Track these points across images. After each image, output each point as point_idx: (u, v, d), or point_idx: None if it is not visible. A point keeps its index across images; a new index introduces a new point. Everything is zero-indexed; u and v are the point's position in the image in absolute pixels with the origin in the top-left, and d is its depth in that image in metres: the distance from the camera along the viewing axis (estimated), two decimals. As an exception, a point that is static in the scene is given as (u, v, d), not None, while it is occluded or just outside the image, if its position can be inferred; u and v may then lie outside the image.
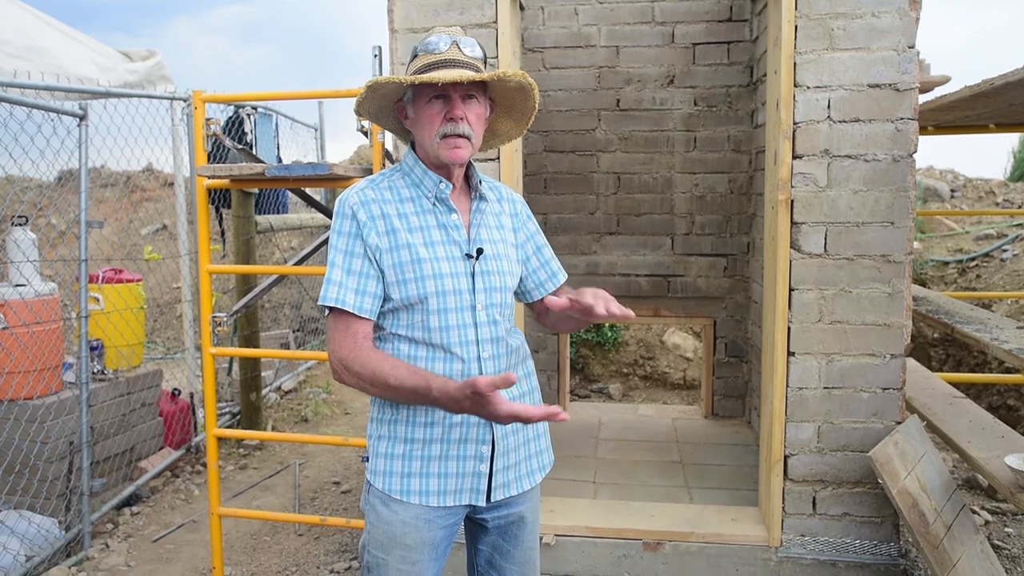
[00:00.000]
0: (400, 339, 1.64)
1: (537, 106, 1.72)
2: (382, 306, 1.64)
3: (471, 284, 1.64)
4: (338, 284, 1.60)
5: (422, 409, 1.63)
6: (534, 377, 1.81)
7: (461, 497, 1.67)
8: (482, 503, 1.69)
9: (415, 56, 1.65)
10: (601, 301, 1.59)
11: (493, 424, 1.64)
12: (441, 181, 1.65)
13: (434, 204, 1.66)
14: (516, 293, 1.86)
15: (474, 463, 1.66)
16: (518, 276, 1.78)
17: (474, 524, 1.80)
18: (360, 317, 1.60)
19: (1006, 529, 3.44)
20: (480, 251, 1.66)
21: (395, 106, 1.71)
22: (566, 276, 1.90)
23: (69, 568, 3.33)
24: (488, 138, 1.83)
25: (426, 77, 1.54)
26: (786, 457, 2.70)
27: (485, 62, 1.67)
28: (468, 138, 1.60)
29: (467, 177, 1.73)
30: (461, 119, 1.59)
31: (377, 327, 1.69)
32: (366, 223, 1.61)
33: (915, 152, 2.57)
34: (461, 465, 1.65)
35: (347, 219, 1.63)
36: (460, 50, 1.61)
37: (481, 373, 1.63)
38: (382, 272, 1.61)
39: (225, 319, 3.05)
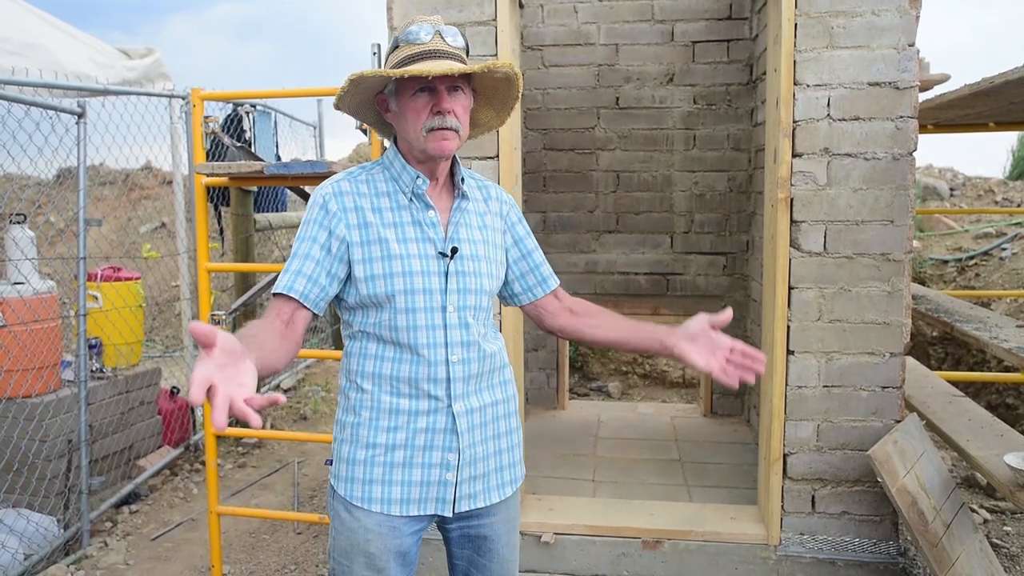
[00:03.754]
0: (368, 336, 1.59)
1: (520, 95, 1.66)
2: (351, 301, 1.59)
3: (443, 284, 1.57)
4: (289, 271, 1.56)
5: (385, 413, 1.58)
6: (511, 386, 1.73)
7: (425, 507, 1.60)
8: (448, 513, 1.62)
9: (396, 47, 1.58)
10: (715, 362, 1.52)
11: (459, 431, 1.59)
12: (418, 176, 1.59)
13: (410, 200, 1.60)
14: (504, 297, 1.81)
15: (439, 471, 1.59)
16: (499, 279, 1.71)
17: (443, 534, 1.73)
18: (296, 301, 1.53)
19: (1005, 527, 3.44)
20: (455, 250, 1.59)
21: (375, 99, 1.63)
22: (558, 282, 1.82)
23: (68, 566, 3.33)
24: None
25: (414, 70, 1.48)
26: (785, 455, 2.70)
27: (468, 51, 1.61)
28: (456, 131, 1.54)
29: (452, 174, 1.67)
30: (449, 112, 1.52)
31: (346, 324, 1.64)
32: (336, 213, 1.56)
33: (915, 150, 2.56)
34: (426, 473, 1.59)
35: (316, 208, 1.58)
36: (444, 40, 1.54)
37: (449, 377, 1.57)
38: (351, 266, 1.56)
39: (224, 317, 3.04)
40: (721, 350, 1.54)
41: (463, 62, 1.55)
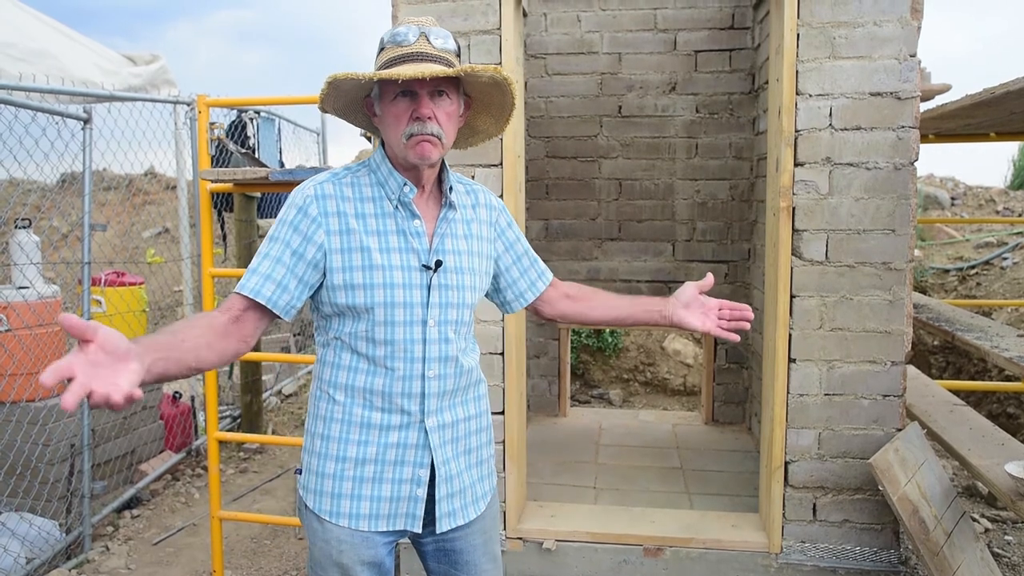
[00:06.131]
0: (343, 346, 1.54)
1: (516, 102, 1.60)
2: (327, 309, 1.54)
3: (425, 297, 1.52)
4: (259, 274, 1.48)
5: (356, 426, 1.54)
6: (485, 400, 1.71)
7: (395, 522, 1.57)
8: (417, 529, 1.58)
9: (382, 48, 1.52)
10: (710, 322, 1.64)
11: (432, 447, 1.56)
12: (405, 184, 1.53)
13: (396, 207, 1.54)
14: (502, 303, 1.79)
15: (410, 487, 1.56)
16: (483, 291, 1.67)
17: (418, 548, 1.70)
18: (250, 300, 1.46)
19: (1006, 537, 3.45)
20: (439, 263, 1.54)
21: (363, 102, 1.58)
22: (552, 274, 1.82)
23: (69, 571, 3.33)
24: (467, 135, 1.71)
25: (387, 73, 1.42)
26: (786, 463, 2.71)
27: (459, 55, 1.55)
28: (438, 137, 1.48)
29: (440, 180, 1.61)
30: (429, 118, 1.46)
31: (321, 329, 1.60)
32: (316, 218, 1.49)
33: (916, 160, 2.58)
34: (396, 489, 1.55)
35: (295, 209, 1.50)
36: (429, 42, 1.47)
37: (423, 392, 1.54)
38: (328, 273, 1.50)
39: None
40: (712, 311, 1.67)
41: (450, 66, 1.48)
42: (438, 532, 1.61)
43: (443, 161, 1.60)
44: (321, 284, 1.53)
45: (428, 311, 1.53)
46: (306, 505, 1.61)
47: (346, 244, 1.50)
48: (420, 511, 1.58)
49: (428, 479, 1.57)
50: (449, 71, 1.43)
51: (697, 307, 1.68)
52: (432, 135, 1.47)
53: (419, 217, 1.55)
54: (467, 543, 1.66)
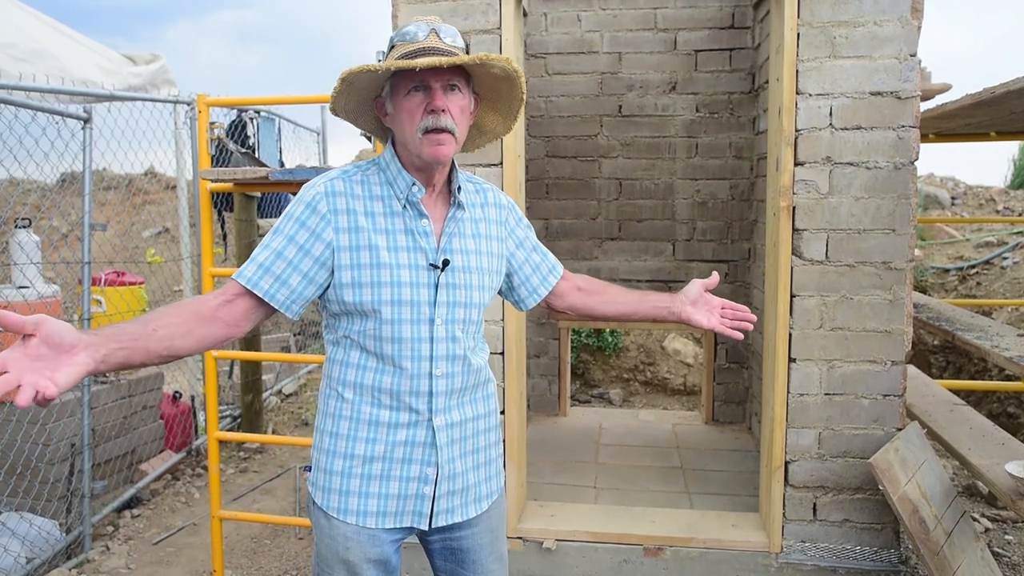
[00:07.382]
0: (352, 344, 1.55)
1: (524, 98, 1.60)
2: (335, 308, 1.54)
3: (432, 296, 1.53)
4: (258, 264, 1.48)
5: (364, 424, 1.55)
6: (493, 400, 1.70)
7: (402, 519, 1.58)
8: (424, 527, 1.60)
9: (392, 47, 1.53)
10: (715, 319, 1.70)
11: (439, 445, 1.56)
12: (414, 183, 1.53)
13: (404, 207, 1.54)
14: (515, 301, 1.80)
15: (417, 485, 1.57)
16: (492, 290, 1.67)
17: (425, 545, 1.71)
18: (256, 296, 1.47)
19: (1006, 536, 3.45)
20: (447, 262, 1.54)
21: (373, 103, 1.58)
22: (563, 267, 1.83)
23: (69, 570, 3.33)
24: (475, 136, 1.71)
25: (404, 63, 1.41)
26: (787, 463, 2.71)
27: (468, 53, 1.54)
28: (451, 132, 1.48)
29: (449, 180, 1.61)
30: (443, 111, 1.46)
31: (330, 328, 1.60)
32: (326, 215, 1.49)
33: (916, 159, 2.58)
34: (403, 487, 1.57)
35: (304, 205, 1.50)
36: (440, 38, 1.49)
37: (431, 391, 1.55)
38: (336, 271, 1.50)
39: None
40: (716, 308, 1.73)
41: None
42: (432, 527, 1.62)
43: (453, 161, 1.60)
44: (330, 283, 1.53)
45: (435, 310, 1.54)
46: (314, 502, 1.62)
47: (354, 242, 1.50)
48: (427, 509, 1.59)
49: (435, 477, 1.58)
50: (466, 58, 1.44)
51: (703, 304, 1.73)
52: (445, 129, 1.47)
53: (427, 216, 1.56)
54: (474, 542, 1.67)
